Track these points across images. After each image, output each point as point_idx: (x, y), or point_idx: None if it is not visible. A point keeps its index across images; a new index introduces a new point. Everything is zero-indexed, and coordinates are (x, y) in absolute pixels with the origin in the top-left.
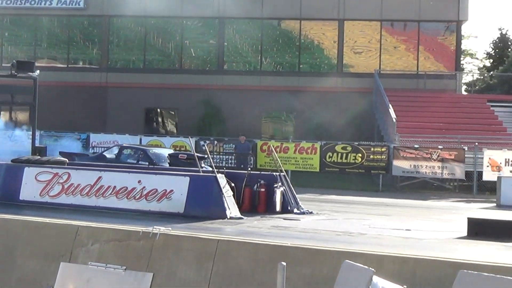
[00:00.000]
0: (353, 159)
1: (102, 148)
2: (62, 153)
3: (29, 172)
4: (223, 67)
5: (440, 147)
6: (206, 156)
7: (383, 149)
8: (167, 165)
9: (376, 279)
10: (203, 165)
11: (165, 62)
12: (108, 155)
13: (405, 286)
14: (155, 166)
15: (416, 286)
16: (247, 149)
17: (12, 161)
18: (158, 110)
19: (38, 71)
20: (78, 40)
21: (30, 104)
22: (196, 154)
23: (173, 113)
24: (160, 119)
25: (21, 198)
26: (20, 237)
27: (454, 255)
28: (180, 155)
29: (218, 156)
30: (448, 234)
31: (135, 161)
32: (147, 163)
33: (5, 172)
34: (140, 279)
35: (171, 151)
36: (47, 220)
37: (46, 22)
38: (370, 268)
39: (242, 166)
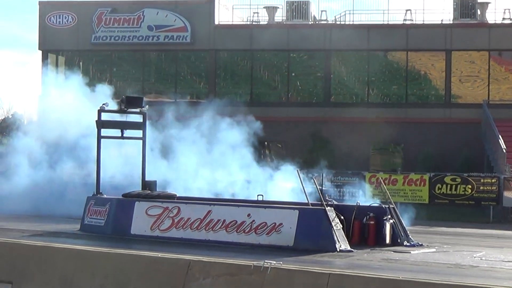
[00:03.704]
0: (462, 191)
1: None
2: None
3: (139, 207)
4: (330, 99)
5: None
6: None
7: (493, 180)
8: None
9: None
10: (327, 198)
11: (272, 95)
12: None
13: None
14: (264, 200)
15: None
16: None
17: (123, 195)
18: (265, 142)
19: (147, 106)
20: (186, 74)
21: (141, 139)
22: (319, 187)
23: (280, 145)
24: (267, 152)
25: (132, 232)
26: (133, 272)
27: None
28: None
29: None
30: None
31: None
32: None
33: (116, 206)
34: None
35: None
36: (159, 254)
37: (154, 57)
38: None
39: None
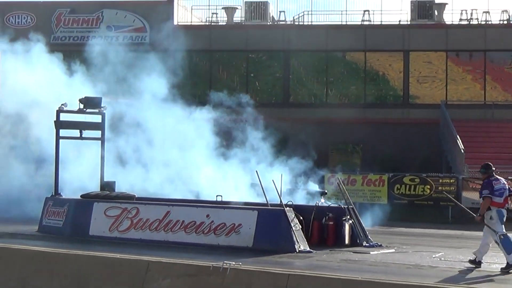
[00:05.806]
0: (421, 191)
1: None
2: None
3: (98, 208)
4: (288, 99)
5: (510, 177)
6: (326, 191)
7: (451, 181)
8: None
9: None
10: (322, 200)
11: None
12: None
13: None
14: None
15: None
16: None
17: (81, 196)
18: (224, 143)
19: (106, 106)
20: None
21: (99, 140)
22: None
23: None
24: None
25: (90, 233)
26: (91, 273)
27: None
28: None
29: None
30: None
31: None
32: None
33: (75, 207)
34: None
35: None
36: (118, 255)
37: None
38: None
39: None
